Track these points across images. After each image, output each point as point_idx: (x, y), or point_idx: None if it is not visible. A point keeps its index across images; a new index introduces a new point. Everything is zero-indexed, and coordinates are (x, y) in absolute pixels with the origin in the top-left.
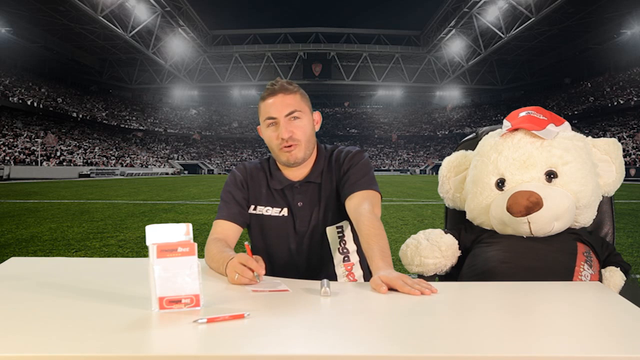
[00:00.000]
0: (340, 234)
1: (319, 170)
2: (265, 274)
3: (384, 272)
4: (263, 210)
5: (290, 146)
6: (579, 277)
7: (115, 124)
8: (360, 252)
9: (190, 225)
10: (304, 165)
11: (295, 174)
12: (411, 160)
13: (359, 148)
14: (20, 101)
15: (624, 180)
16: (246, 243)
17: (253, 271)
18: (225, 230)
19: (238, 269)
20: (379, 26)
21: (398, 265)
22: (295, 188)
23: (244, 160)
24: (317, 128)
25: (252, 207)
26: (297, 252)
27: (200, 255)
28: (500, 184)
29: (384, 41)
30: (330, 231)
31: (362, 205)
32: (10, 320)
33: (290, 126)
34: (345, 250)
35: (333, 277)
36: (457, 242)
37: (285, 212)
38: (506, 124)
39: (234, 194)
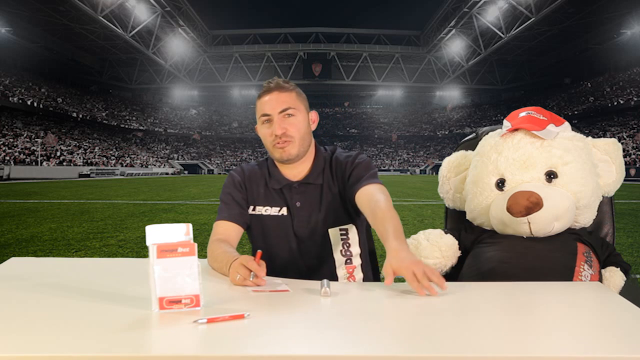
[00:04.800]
0: (344, 236)
1: (318, 170)
2: (266, 274)
3: (396, 258)
4: (262, 210)
5: (284, 142)
6: (579, 277)
7: (115, 124)
8: (363, 255)
9: (190, 226)
10: (301, 164)
11: (294, 173)
12: (411, 160)
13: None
14: (20, 101)
15: (624, 180)
16: (259, 251)
17: (250, 271)
18: (227, 231)
19: (240, 271)
20: (379, 26)
21: None
22: (293, 188)
23: (243, 161)
24: (314, 127)
25: (251, 207)
26: (297, 252)
27: (201, 255)
28: (501, 184)
29: (384, 41)
30: (333, 233)
31: (377, 196)
32: (10, 320)
33: (284, 123)
34: (348, 253)
35: (334, 278)
36: (457, 242)
37: (284, 211)
38: (506, 124)
39: (233, 195)
